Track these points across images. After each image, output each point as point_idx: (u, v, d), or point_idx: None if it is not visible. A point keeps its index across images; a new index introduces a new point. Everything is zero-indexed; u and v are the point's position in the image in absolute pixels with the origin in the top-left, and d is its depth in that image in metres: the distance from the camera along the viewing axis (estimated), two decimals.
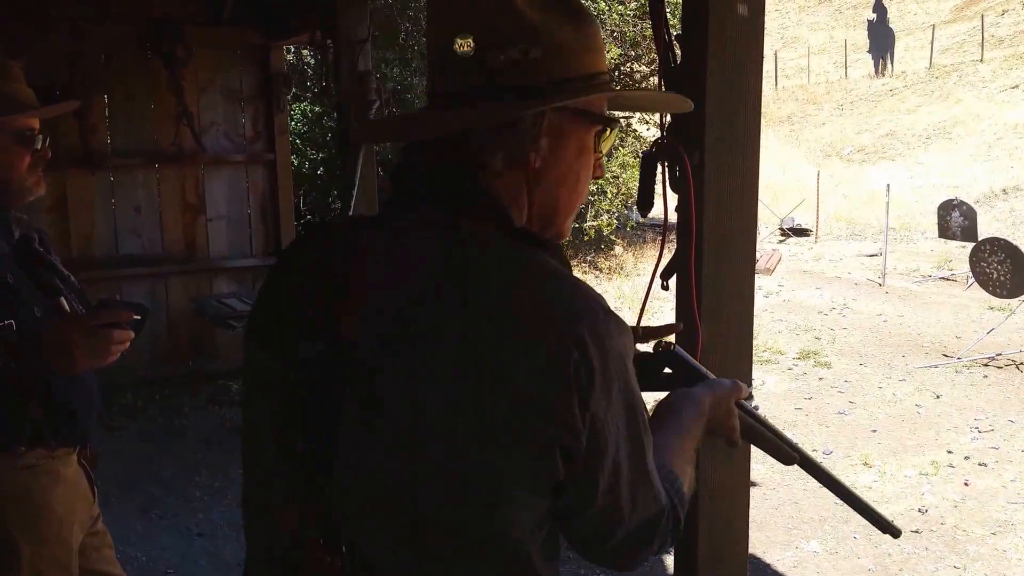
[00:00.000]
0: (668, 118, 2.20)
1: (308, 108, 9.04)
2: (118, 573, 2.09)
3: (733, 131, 2.11)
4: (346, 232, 1.02)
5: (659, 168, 2.18)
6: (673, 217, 2.07)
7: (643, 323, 1.67)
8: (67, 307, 1.89)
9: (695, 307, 2.07)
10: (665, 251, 2.05)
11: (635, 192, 9.58)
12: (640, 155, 8.43)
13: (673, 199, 2.11)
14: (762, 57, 2.17)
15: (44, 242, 1.95)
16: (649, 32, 9.02)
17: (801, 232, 13.21)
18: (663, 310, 7.66)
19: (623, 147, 9.50)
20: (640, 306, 2.07)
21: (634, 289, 8.83)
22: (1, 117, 1.80)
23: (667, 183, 2.17)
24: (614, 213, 9.42)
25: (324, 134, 8.64)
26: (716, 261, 2.12)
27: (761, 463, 4.49)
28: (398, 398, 0.89)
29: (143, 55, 5.36)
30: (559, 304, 0.90)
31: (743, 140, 2.13)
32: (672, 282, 2.25)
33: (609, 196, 9.15)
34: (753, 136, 2.16)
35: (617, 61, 9.79)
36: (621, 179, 9.26)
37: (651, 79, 10.60)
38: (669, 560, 3.56)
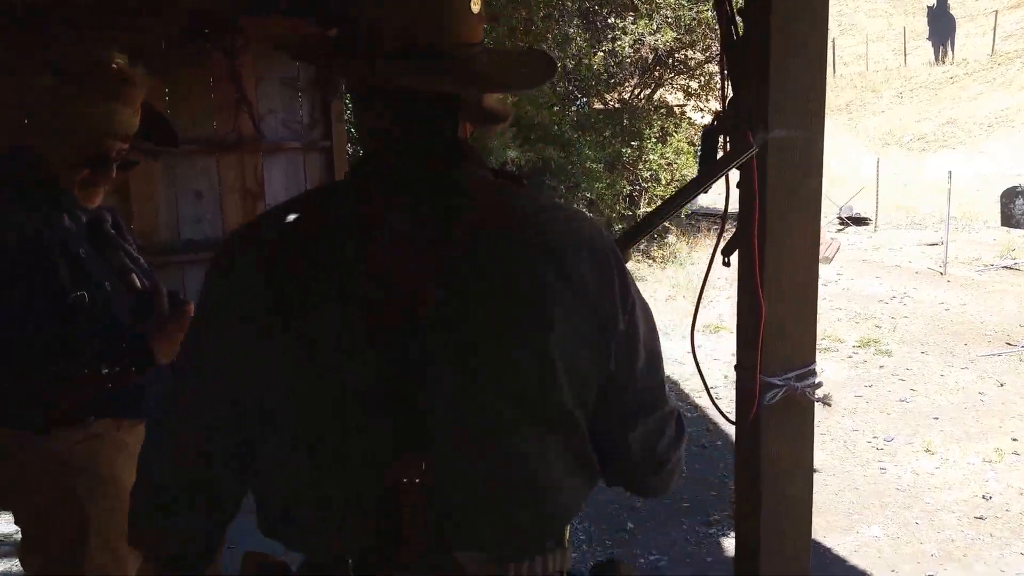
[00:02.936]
0: (729, 91, 2.18)
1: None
2: None
3: (797, 104, 2.08)
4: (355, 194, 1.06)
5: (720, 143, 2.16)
6: (734, 194, 2.05)
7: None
8: (138, 284, 1.94)
9: (758, 284, 2.05)
10: (724, 232, 2.03)
11: (689, 179, 9.43)
12: (693, 142, 8.33)
13: (732, 177, 2.10)
14: (826, 31, 2.13)
15: (117, 223, 1.99)
16: (705, 16, 8.91)
17: (860, 221, 12.95)
18: (718, 299, 7.59)
19: (676, 133, 9.41)
20: (698, 292, 2.06)
21: (688, 278, 8.75)
22: (85, 140, 1.83)
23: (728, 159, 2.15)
24: None
25: None
26: (780, 237, 2.09)
27: (820, 450, 4.43)
28: (485, 315, 0.99)
29: (202, 45, 5.45)
30: (588, 224, 1.09)
31: (807, 114, 2.10)
32: (734, 260, 2.23)
33: (663, 183, 9.06)
34: (817, 110, 2.13)
35: (671, 46, 9.70)
36: (675, 165, 9.16)
37: (706, 66, 10.48)
38: (727, 542, 3.54)
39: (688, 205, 10.97)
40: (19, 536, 3.69)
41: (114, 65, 1.85)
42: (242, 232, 1.10)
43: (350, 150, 7.74)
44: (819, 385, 2.13)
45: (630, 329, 1.07)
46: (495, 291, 0.99)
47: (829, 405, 5.03)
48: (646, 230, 1.55)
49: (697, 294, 2.05)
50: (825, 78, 2.15)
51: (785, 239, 2.11)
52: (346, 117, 6.86)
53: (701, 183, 2.15)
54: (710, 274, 2.13)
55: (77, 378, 1.76)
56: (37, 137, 1.86)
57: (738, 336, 2.17)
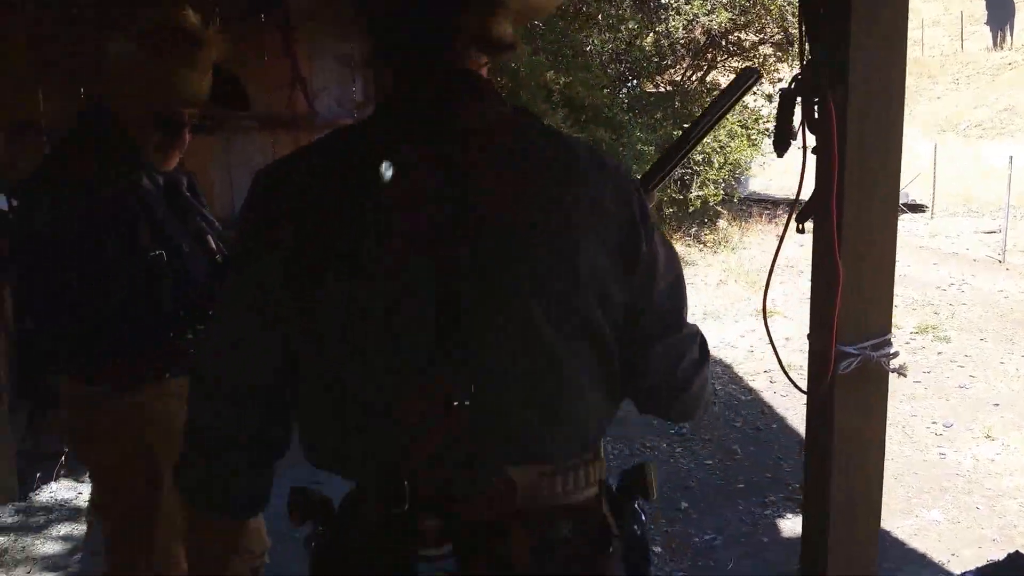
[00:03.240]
0: (807, 53, 2.12)
1: None
2: None
3: (878, 65, 2.02)
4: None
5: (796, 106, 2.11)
6: (810, 161, 1.99)
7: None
8: (213, 246, 1.96)
9: (836, 248, 2.00)
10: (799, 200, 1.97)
11: (743, 162, 9.35)
12: (746, 125, 8.15)
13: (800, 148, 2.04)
14: None
15: (193, 186, 2.01)
16: None
17: (916, 208, 12.67)
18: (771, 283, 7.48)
19: (729, 116, 9.26)
20: (768, 270, 2.02)
21: (739, 262, 8.62)
22: (158, 103, 1.84)
23: (804, 122, 2.10)
24: (720, 183, 9.20)
25: None
26: (858, 201, 2.04)
27: None
28: (518, 234, 1.04)
29: (256, 21, 5.47)
30: (608, 156, 1.17)
31: (888, 76, 2.04)
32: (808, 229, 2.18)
33: (716, 166, 8.94)
34: (898, 73, 2.06)
35: (726, 27, 9.55)
36: (728, 148, 9.03)
37: (759, 48, 10.31)
38: (784, 524, 3.48)
39: (740, 189, 10.86)
40: (79, 500, 3.76)
41: (187, 28, 1.85)
42: (276, 167, 1.13)
43: None
44: (895, 355, 2.07)
45: (651, 253, 1.12)
46: (527, 213, 1.05)
47: (904, 376, 4.93)
48: (667, 166, 1.50)
49: (754, 277, 1.99)
50: (906, 41, 2.08)
51: (864, 204, 2.05)
52: None
53: (728, 108, 1.95)
54: (761, 258, 2.06)
55: (156, 336, 1.78)
56: (113, 99, 1.88)
57: (812, 303, 2.12)
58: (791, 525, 3.48)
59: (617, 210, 1.09)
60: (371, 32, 1.09)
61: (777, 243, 2.17)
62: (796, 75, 2.09)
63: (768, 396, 5.01)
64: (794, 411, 4.77)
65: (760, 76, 1.58)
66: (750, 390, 5.12)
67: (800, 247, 9.33)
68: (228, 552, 1.83)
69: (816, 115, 2.09)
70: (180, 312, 1.81)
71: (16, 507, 3.68)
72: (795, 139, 2.13)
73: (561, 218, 1.06)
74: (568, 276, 1.05)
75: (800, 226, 2.12)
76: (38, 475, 3.94)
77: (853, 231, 2.04)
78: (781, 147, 2.12)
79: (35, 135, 5.19)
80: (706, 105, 1.59)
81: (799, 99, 2.12)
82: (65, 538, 3.45)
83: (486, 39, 1.07)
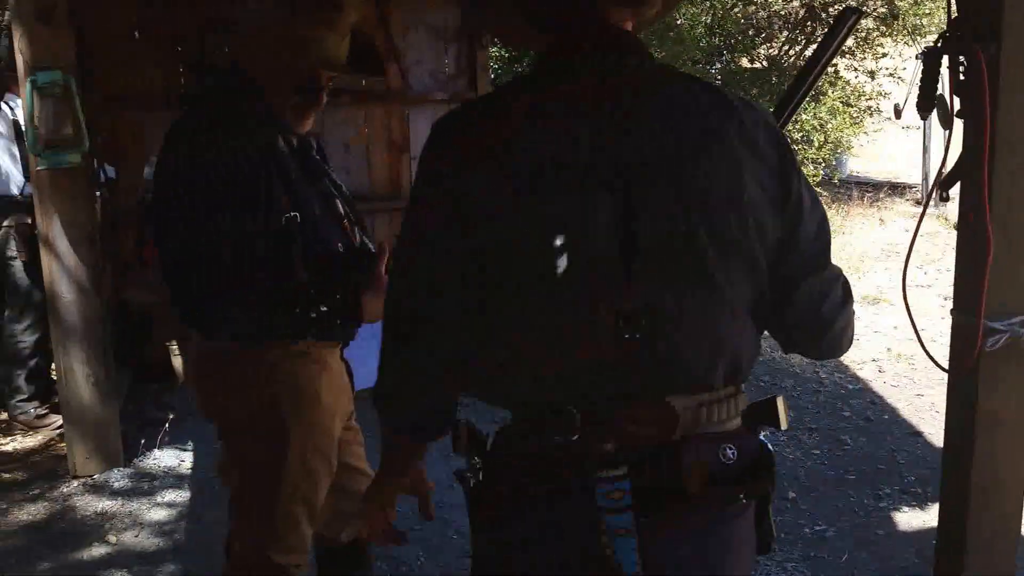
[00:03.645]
0: (955, 10, 1.98)
1: (498, 51, 9.00)
2: (366, 469, 2.12)
3: None
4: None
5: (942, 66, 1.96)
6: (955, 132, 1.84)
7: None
8: (341, 210, 1.94)
9: (987, 215, 1.85)
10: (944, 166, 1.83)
11: (844, 141, 8.91)
12: (848, 102, 7.76)
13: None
14: None
15: (322, 151, 2.00)
16: None
17: None
18: (874, 270, 7.17)
19: (830, 93, 8.91)
20: (906, 251, 1.88)
21: (841, 246, 8.27)
22: (297, 66, 1.82)
23: (950, 85, 1.95)
24: (820, 164, 8.86)
25: None
26: (1009, 166, 1.89)
27: None
28: (689, 174, 1.12)
29: None
30: (757, 104, 1.29)
31: None
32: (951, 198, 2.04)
33: (816, 144, 8.61)
34: None
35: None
36: (829, 126, 8.69)
37: (863, 22, 9.87)
38: (900, 517, 3.31)
39: (839, 171, 10.46)
40: (182, 467, 3.83)
41: None
42: (450, 116, 1.22)
43: None
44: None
45: (799, 193, 1.19)
46: (692, 151, 1.13)
47: None
48: (792, 103, 1.49)
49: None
50: None
51: (1016, 170, 1.89)
52: (492, 67, 6.81)
53: (923, 114, 1.95)
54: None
55: (287, 298, 1.76)
56: (251, 61, 1.87)
57: (957, 276, 1.98)
58: (908, 518, 3.31)
59: (769, 150, 1.17)
60: (530, 5, 1.22)
61: (916, 223, 2.04)
62: (943, 32, 1.96)
63: (877, 385, 4.79)
64: (906, 401, 4.55)
65: (862, 14, 1.55)
66: (858, 379, 4.90)
67: (904, 232, 8.99)
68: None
69: (963, 75, 1.96)
70: (312, 276, 1.80)
71: (122, 472, 3.76)
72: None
73: (723, 154, 1.13)
74: (732, 209, 1.13)
75: (944, 194, 1.98)
76: (142, 442, 4.02)
77: (1003, 199, 1.90)
78: (926, 110, 1.99)
79: (134, 105, 5.31)
80: (834, 80, 1.53)
81: (945, 58, 1.98)
82: (170, 504, 3.51)
83: (636, 5, 1.20)
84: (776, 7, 9.46)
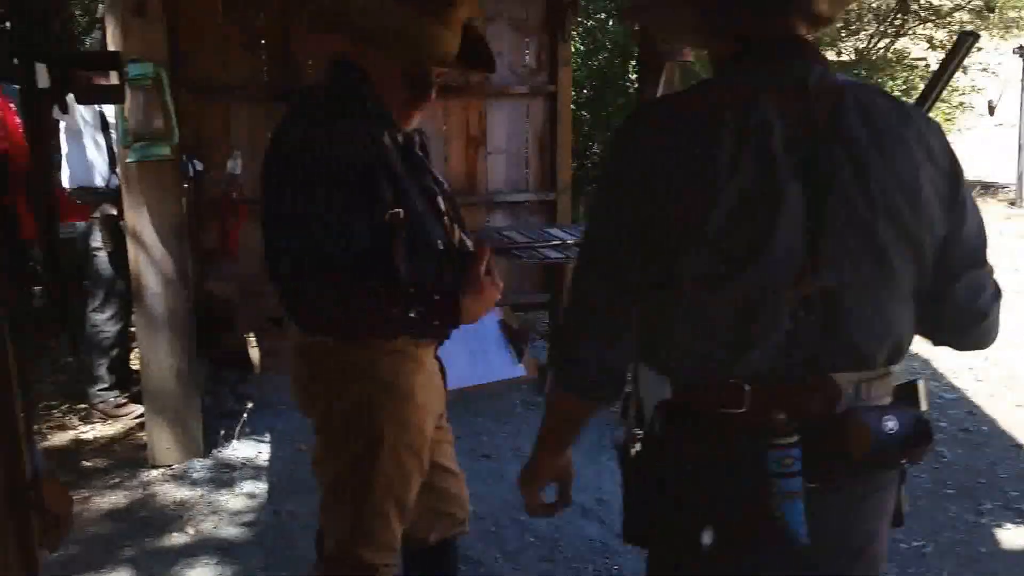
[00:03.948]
0: None
1: (576, 45, 8.89)
2: (456, 470, 2.08)
3: None
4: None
5: None
6: None
7: None
8: (442, 207, 1.89)
9: None
10: None
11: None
12: (943, 99, 7.35)
13: None
14: None
15: (424, 146, 1.95)
16: None
17: None
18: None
19: (922, 86, 8.56)
20: (999, 253, 1.72)
21: None
22: (409, 61, 1.77)
23: None
24: None
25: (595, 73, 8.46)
26: None
27: None
28: (875, 166, 1.23)
29: None
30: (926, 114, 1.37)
31: None
32: None
33: None
34: None
35: None
36: None
37: (955, 13, 9.49)
38: (1004, 534, 3.12)
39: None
40: (259, 458, 3.84)
41: None
42: (654, 108, 1.38)
43: (575, 96, 7.50)
44: None
45: (964, 196, 1.31)
46: (876, 149, 1.23)
47: None
48: (933, 94, 1.49)
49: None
50: None
51: None
52: (574, 61, 6.69)
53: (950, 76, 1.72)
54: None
55: (389, 295, 1.73)
56: (362, 54, 1.81)
57: None
58: (1012, 536, 3.12)
59: (942, 156, 1.29)
60: (712, 8, 1.30)
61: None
62: None
63: (974, 395, 4.56)
64: (1006, 412, 4.33)
65: (977, 37, 1.58)
66: (954, 388, 4.67)
67: (998, 234, 8.54)
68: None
69: None
70: (413, 273, 1.77)
71: (202, 463, 3.79)
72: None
73: (904, 156, 1.24)
74: (910, 206, 1.24)
75: None
76: (221, 433, 4.05)
77: None
78: None
79: (222, 98, 5.37)
80: (927, 75, 1.49)
81: None
82: (249, 494, 3.52)
83: (812, 13, 1.26)
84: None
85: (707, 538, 1.27)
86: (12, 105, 3.96)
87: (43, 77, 1.95)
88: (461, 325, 1.80)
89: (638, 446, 1.40)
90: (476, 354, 2.42)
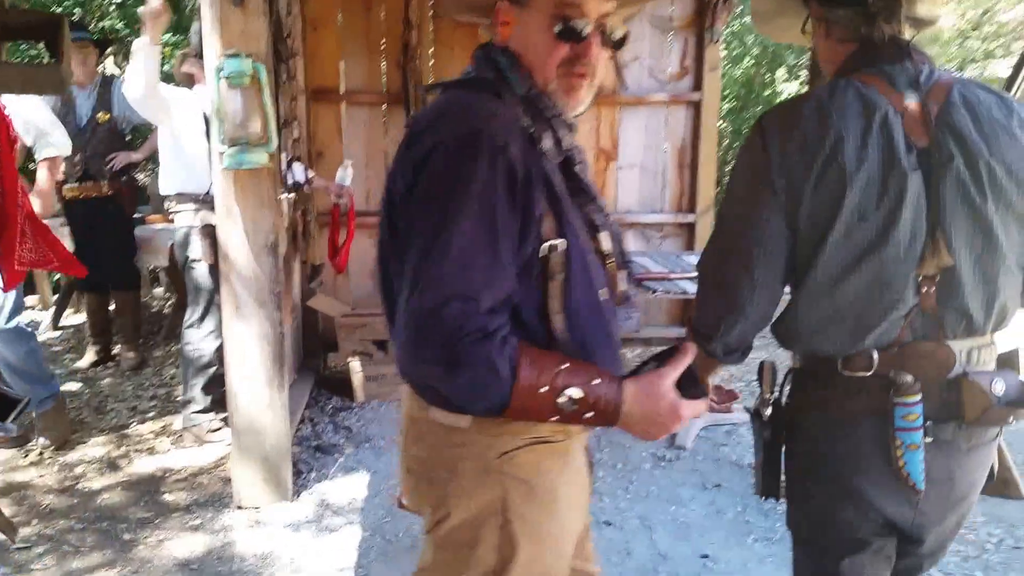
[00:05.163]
0: None
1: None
2: (593, 571, 1.62)
3: None
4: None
5: None
6: None
7: None
8: (605, 246, 1.43)
9: None
10: None
11: None
12: None
13: None
14: None
15: (583, 161, 1.45)
16: None
17: None
18: None
19: None
20: None
21: None
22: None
23: None
24: None
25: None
26: None
27: None
28: (982, 154, 1.41)
29: None
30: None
31: None
32: None
33: None
34: None
35: None
36: None
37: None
38: None
39: None
40: (354, 504, 3.39)
41: None
42: (788, 107, 1.51)
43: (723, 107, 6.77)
44: None
45: None
46: (987, 136, 1.41)
47: None
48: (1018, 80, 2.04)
49: None
50: None
51: None
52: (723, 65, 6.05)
53: None
54: None
55: (537, 363, 1.26)
56: (519, 40, 1.42)
57: None
58: None
59: None
60: (827, 16, 1.54)
61: None
62: None
63: None
64: None
65: None
66: None
67: None
68: None
69: None
70: (572, 333, 1.34)
71: (289, 507, 3.39)
72: None
73: (1010, 143, 1.42)
74: (1016, 187, 1.42)
75: None
76: (312, 474, 3.66)
77: None
78: None
79: (334, 101, 5.04)
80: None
81: None
82: (338, 549, 3.06)
83: (914, 17, 1.49)
84: None
85: (835, 487, 1.52)
86: None
87: None
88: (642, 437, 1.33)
89: (770, 410, 1.62)
90: None
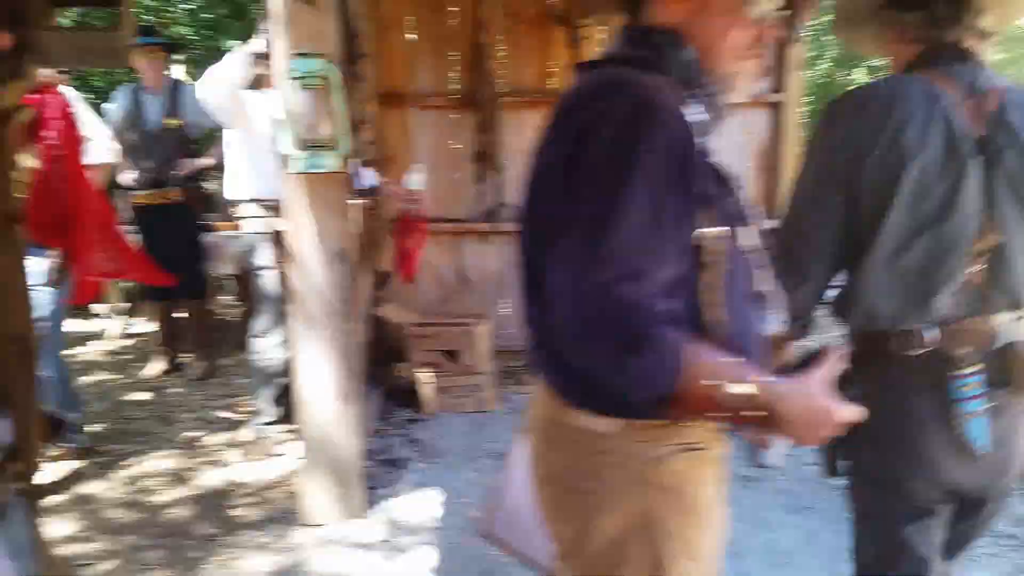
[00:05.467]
0: None
1: None
2: None
3: None
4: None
5: None
6: None
7: None
8: (753, 241, 1.34)
9: None
10: None
11: None
12: None
13: None
14: None
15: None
16: None
17: None
18: None
19: None
20: None
21: None
22: None
23: None
24: None
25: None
26: None
27: None
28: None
29: None
30: None
31: None
32: None
33: None
34: None
35: None
36: None
37: None
38: None
39: None
40: (429, 522, 3.24)
41: None
42: (857, 93, 1.64)
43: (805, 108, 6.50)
44: None
45: None
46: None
47: None
48: None
49: None
50: None
51: None
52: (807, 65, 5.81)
53: None
54: None
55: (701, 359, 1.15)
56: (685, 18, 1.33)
57: None
58: None
59: None
60: (899, 22, 1.68)
61: None
62: None
63: None
64: None
65: None
66: None
67: None
68: None
69: None
70: (735, 326, 1.25)
71: (360, 525, 3.25)
72: None
73: None
74: None
75: None
76: (384, 489, 3.52)
77: None
78: None
79: (404, 105, 4.93)
80: None
81: None
82: (412, 571, 2.92)
83: (978, 28, 1.63)
84: None
85: (904, 458, 1.64)
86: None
87: None
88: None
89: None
90: None
